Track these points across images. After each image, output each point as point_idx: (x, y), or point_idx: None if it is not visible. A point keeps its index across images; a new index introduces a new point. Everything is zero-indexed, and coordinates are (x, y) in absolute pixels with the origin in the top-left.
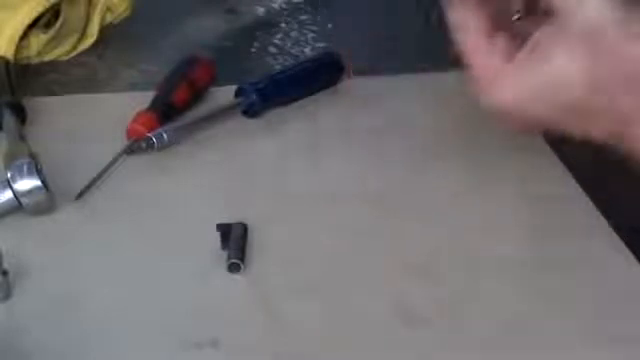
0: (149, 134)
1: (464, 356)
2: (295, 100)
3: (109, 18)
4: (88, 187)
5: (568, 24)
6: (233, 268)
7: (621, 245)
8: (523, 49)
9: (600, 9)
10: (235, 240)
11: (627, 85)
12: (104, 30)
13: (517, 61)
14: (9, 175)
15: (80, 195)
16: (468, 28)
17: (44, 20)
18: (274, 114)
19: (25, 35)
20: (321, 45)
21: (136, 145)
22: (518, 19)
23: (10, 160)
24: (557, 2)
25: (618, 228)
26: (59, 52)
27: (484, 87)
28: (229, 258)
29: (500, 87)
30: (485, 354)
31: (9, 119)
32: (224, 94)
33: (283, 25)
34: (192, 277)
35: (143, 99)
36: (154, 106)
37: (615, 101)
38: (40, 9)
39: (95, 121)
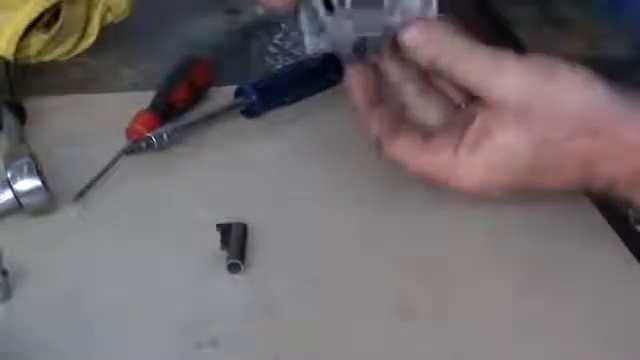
0: (149, 134)
1: (464, 355)
2: (295, 100)
3: (109, 18)
4: (88, 187)
5: (497, 104)
6: (233, 268)
7: (621, 245)
8: (467, 137)
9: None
10: (235, 240)
11: (571, 134)
12: (104, 30)
13: (466, 148)
14: (9, 175)
15: (80, 195)
16: (396, 136)
17: (44, 20)
18: (274, 114)
19: (25, 35)
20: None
21: (136, 145)
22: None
23: (10, 160)
24: (481, 88)
25: (618, 228)
26: (59, 52)
27: (444, 183)
28: (229, 258)
29: (461, 177)
30: (485, 353)
31: (9, 119)
32: (224, 94)
33: (283, 25)
34: (192, 277)
35: (143, 99)
36: (154, 106)
37: (564, 150)
38: (40, 9)
39: (95, 121)
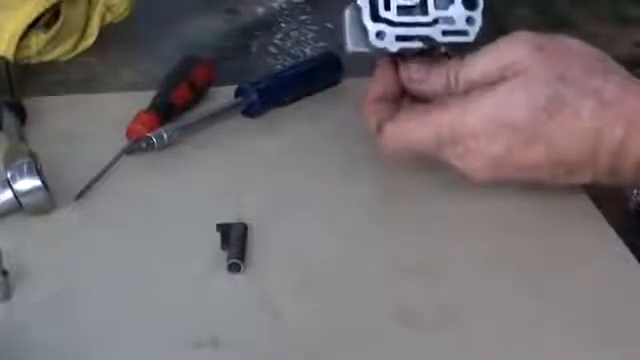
0: (149, 134)
1: (464, 356)
2: (295, 100)
3: (109, 18)
4: (88, 187)
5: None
6: (233, 268)
7: (621, 245)
8: (475, 90)
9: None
10: (235, 240)
11: (587, 71)
12: (104, 30)
13: (475, 94)
14: (9, 175)
15: (80, 195)
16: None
17: (44, 20)
18: (274, 114)
19: (25, 35)
20: (321, 45)
21: (136, 145)
22: None
23: (10, 160)
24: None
25: (618, 227)
26: (59, 52)
27: (450, 139)
28: (229, 258)
29: (470, 125)
30: (485, 354)
31: (9, 119)
32: (224, 94)
33: (283, 25)
34: (192, 277)
35: (143, 99)
36: (154, 106)
37: (580, 87)
38: (40, 9)
39: (95, 121)
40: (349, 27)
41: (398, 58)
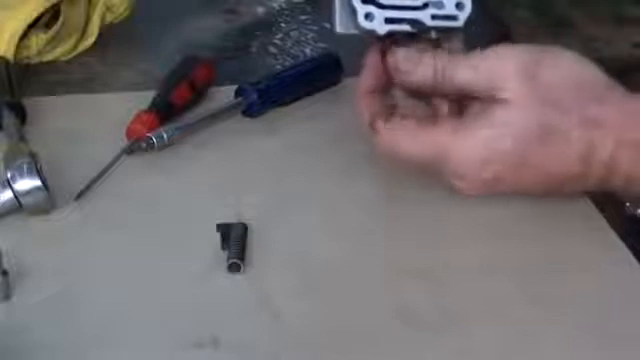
0: (149, 134)
1: (464, 357)
2: (295, 100)
3: (109, 18)
4: (88, 187)
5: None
6: (233, 268)
7: (621, 245)
8: (466, 117)
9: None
10: (235, 240)
11: (575, 98)
12: (104, 30)
13: (466, 125)
14: (9, 175)
15: (80, 195)
16: (391, 118)
17: (44, 20)
18: (274, 114)
19: (25, 35)
20: (321, 45)
21: (136, 145)
22: None
23: (10, 160)
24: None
25: (618, 228)
26: (59, 52)
27: (441, 163)
28: (229, 258)
29: (460, 158)
30: (485, 356)
31: (9, 119)
32: (224, 94)
33: (283, 25)
34: (192, 277)
35: (143, 99)
36: (154, 106)
37: (569, 115)
38: (40, 9)
39: (95, 121)
40: (339, 9)
41: (386, 49)
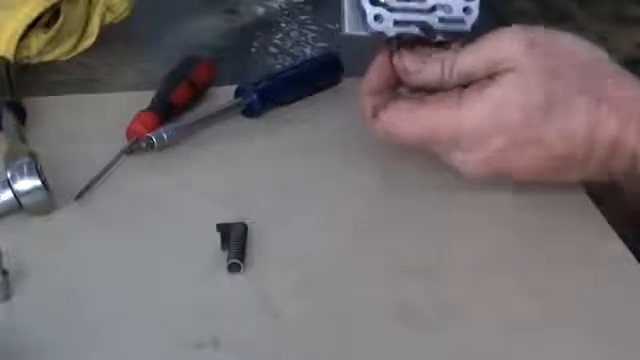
0: (149, 134)
1: (464, 356)
2: (295, 100)
3: (109, 18)
4: (88, 187)
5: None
6: (233, 268)
7: (621, 245)
8: (470, 88)
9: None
10: (235, 240)
11: (579, 70)
12: (104, 30)
13: (470, 97)
14: (9, 175)
15: (80, 195)
16: (393, 102)
17: (44, 20)
18: (274, 114)
19: (25, 35)
20: (321, 45)
21: (136, 145)
22: None
23: (10, 160)
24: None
25: (618, 228)
26: (59, 52)
27: (445, 139)
28: (229, 258)
29: (465, 130)
30: (485, 354)
31: (9, 119)
32: (224, 94)
33: (283, 25)
34: (192, 277)
35: (143, 99)
36: (154, 106)
37: (572, 85)
38: (40, 9)
39: (95, 121)
40: (348, 10)
41: (393, 49)
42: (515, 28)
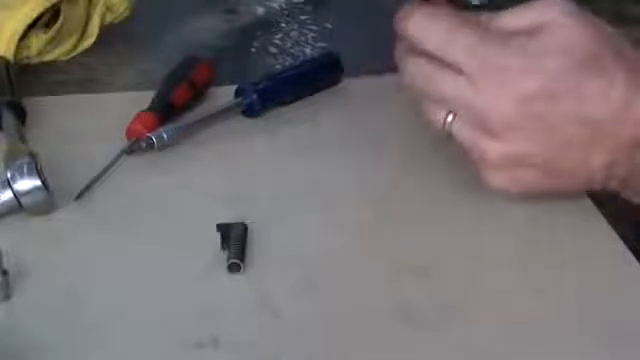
0: (149, 134)
1: (464, 356)
2: (295, 100)
3: (109, 18)
4: (88, 187)
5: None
6: (233, 268)
7: (621, 244)
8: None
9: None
10: (235, 240)
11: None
12: (104, 30)
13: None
14: (9, 175)
15: (80, 195)
16: None
17: (44, 20)
18: (274, 114)
19: (25, 35)
20: (321, 45)
21: (136, 145)
22: None
23: (10, 160)
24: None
25: (618, 227)
26: (59, 52)
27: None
28: (229, 258)
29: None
30: (485, 354)
31: (9, 119)
32: (224, 94)
33: (283, 25)
34: (192, 277)
35: (143, 99)
36: (154, 106)
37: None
38: (40, 9)
39: (95, 121)
40: None
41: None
42: None
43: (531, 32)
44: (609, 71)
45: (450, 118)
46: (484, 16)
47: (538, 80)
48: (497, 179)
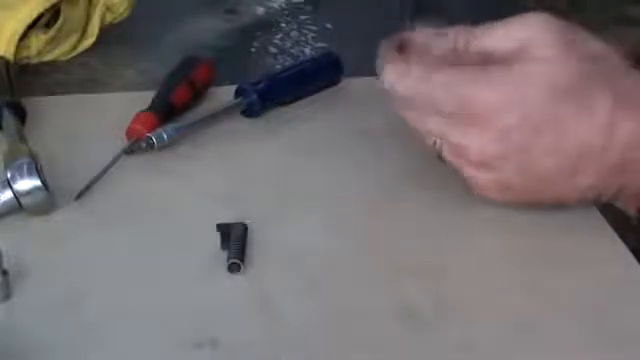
0: (149, 134)
1: (464, 356)
2: (295, 100)
3: (109, 18)
4: (88, 187)
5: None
6: (233, 268)
7: (621, 245)
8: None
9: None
10: (235, 240)
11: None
12: (104, 30)
13: (498, 62)
14: (9, 175)
15: (80, 195)
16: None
17: (44, 20)
18: (274, 114)
19: (25, 35)
20: (321, 45)
21: (136, 145)
22: None
23: (10, 160)
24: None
25: (618, 228)
26: (59, 52)
27: (469, 92)
28: (229, 258)
29: (491, 84)
30: (485, 354)
31: (9, 119)
32: (224, 94)
33: (283, 25)
34: (192, 277)
35: (143, 99)
36: (154, 106)
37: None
38: (40, 9)
39: (95, 121)
40: None
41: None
42: (542, 14)
43: (511, 59)
44: (592, 100)
45: (438, 142)
46: (463, 32)
47: (516, 115)
48: (488, 197)
